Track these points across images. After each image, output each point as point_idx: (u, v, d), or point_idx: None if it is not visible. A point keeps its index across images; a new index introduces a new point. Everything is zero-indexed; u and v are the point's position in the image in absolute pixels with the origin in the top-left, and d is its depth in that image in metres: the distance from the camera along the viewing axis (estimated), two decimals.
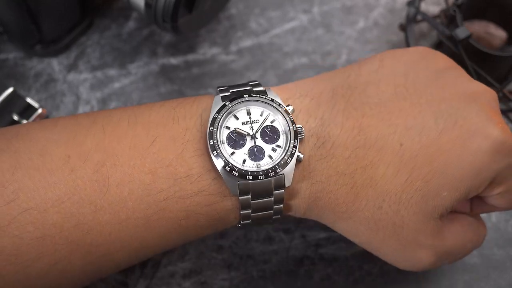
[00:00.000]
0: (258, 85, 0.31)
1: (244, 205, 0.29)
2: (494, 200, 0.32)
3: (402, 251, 0.31)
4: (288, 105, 0.30)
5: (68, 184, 0.27)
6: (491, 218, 0.41)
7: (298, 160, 0.29)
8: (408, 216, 0.29)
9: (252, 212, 0.29)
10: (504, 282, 0.39)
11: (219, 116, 0.29)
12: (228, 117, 0.30)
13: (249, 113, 0.30)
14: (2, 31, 0.42)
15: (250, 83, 0.31)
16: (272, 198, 0.29)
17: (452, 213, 0.32)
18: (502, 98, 0.42)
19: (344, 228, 0.31)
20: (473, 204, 0.34)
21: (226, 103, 0.29)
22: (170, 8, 0.36)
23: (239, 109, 0.30)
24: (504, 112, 0.41)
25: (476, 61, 0.40)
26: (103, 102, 0.43)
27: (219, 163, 0.28)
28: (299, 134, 0.29)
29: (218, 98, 0.30)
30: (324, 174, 0.29)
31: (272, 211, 0.30)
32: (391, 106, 0.30)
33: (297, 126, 0.29)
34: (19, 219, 0.27)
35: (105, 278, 0.38)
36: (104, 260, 0.29)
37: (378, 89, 0.30)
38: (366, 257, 0.39)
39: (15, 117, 0.40)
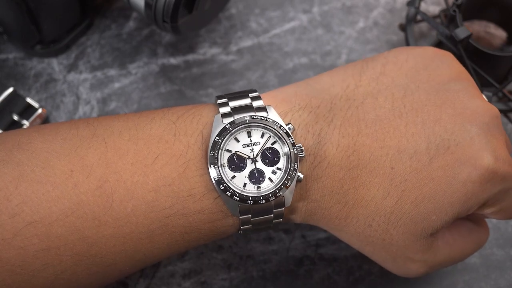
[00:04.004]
0: (258, 98, 0.31)
1: (245, 223, 0.30)
2: (488, 215, 0.32)
3: (392, 262, 0.31)
4: (288, 124, 0.30)
5: (72, 199, 0.27)
6: (491, 219, 0.41)
7: (298, 180, 0.29)
8: (396, 235, 0.30)
9: (253, 227, 0.30)
10: (504, 282, 0.39)
11: (220, 140, 0.29)
12: (229, 139, 0.30)
13: (249, 135, 0.30)
14: (2, 31, 0.42)
15: (250, 94, 0.31)
16: (272, 215, 0.30)
17: None
18: (502, 98, 0.42)
19: (338, 236, 0.32)
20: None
21: (227, 126, 0.29)
22: (170, 8, 0.36)
23: (240, 131, 0.30)
24: (504, 112, 0.41)
25: (476, 61, 0.40)
26: (103, 102, 0.43)
27: (220, 188, 0.28)
28: (299, 154, 0.29)
29: (218, 118, 0.30)
30: (319, 193, 0.30)
31: (271, 225, 0.31)
32: (387, 124, 0.30)
33: (297, 145, 0.29)
34: (24, 232, 0.27)
35: None
36: (109, 269, 0.29)
37: (376, 103, 0.30)
38: (366, 257, 0.39)
39: (15, 117, 0.40)
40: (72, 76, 0.44)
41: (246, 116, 0.30)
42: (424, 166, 0.29)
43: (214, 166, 0.28)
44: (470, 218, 0.33)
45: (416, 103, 0.30)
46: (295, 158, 0.29)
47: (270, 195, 0.29)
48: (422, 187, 0.29)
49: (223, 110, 0.30)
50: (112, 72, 0.44)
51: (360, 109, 0.30)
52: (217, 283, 0.38)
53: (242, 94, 0.31)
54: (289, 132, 0.30)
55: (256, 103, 0.31)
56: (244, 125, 0.30)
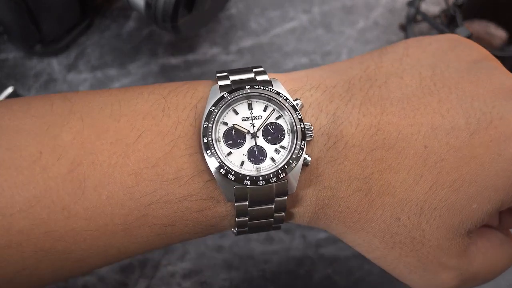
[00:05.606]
0: (263, 72, 0.27)
1: (241, 212, 0.26)
2: None
3: (422, 271, 0.27)
4: (296, 99, 0.26)
5: (39, 185, 0.24)
6: None
7: (305, 164, 0.25)
8: (430, 230, 0.26)
9: (249, 220, 0.26)
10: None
11: (216, 110, 0.25)
12: (226, 111, 0.26)
13: (250, 108, 0.26)
14: (2, 31, 0.42)
15: (254, 69, 0.28)
16: (273, 206, 0.26)
17: (480, 227, 0.28)
18: None
19: (355, 240, 0.28)
20: (503, 217, 0.30)
21: (225, 95, 0.26)
22: (170, 8, 0.36)
23: (239, 103, 0.26)
24: None
25: None
26: None
27: (212, 164, 0.25)
28: (307, 133, 0.25)
29: (215, 87, 0.26)
30: (334, 178, 0.26)
31: (272, 219, 0.27)
32: (416, 101, 0.26)
33: (305, 124, 0.26)
34: None
35: (104, 278, 0.38)
36: (77, 265, 0.26)
37: (401, 82, 0.27)
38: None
39: None
40: (72, 76, 0.44)
41: (247, 86, 0.26)
42: (464, 143, 0.25)
43: (207, 140, 0.25)
44: (499, 229, 0.29)
45: (448, 80, 0.27)
46: (302, 136, 0.25)
47: (271, 176, 0.25)
48: (462, 168, 0.25)
49: (222, 82, 0.27)
50: (112, 72, 0.44)
51: (383, 88, 0.27)
52: (217, 283, 0.38)
53: (245, 69, 0.28)
54: (297, 107, 0.26)
55: (260, 77, 0.27)
56: (244, 95, 0.26)
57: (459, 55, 0.28)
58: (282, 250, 0.39)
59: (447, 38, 0.29)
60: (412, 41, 0.29)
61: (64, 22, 0.43)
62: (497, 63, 0.28)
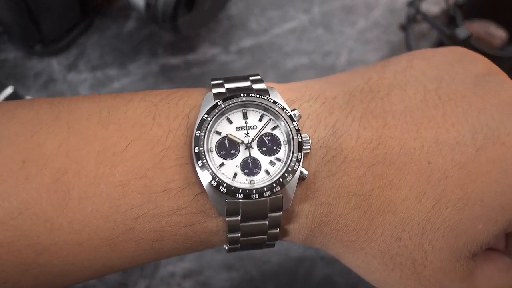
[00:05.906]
0: (260, 81, 0.26)
1: (232, 228, 0.24)
2: None
3: None
4: (293, 110, 0.25)
5: (21, 195, 0.23)
6: None
7: (302, 178, 0.24)
8: (432, 252, 0.24)
9: (242, 236, 0.25)
10: None
11: (209, 118, 0.24)
12: (220, 119, 0.25)
13: (245, 117, 0.25)
14: (2, 31, 0.42)
15: (250, 78, 0.27)
16: (267, 222, 0.25)
17: (486, 250, 0.26)
18: None
19: (353, 261, 0.26)
20: (510, 240, 0.28)
21: (219, 103, 0.25)
22: (170, 8, 0.36)
23: (233, 111, 0.25)
24: None
25: None
26: None
27: (204, 176, 0.23)
28: (305, 145, 0.24)
29: (209, 95, 0.25)
30: (332, 194, 0.25)
31: (265, 236, 0.25)
32: (419, 115, 0.25)
33: (302, 136, 0.24)
34: None
35: (104, 278, 0.38)
36: (60, 279, 0.25)
37: (405, 94, 0.26)
38: None
39: None
40: (72, 76, 0.44)
41: (242, 94, 0.25)
42: (470, 160, 0.24)
43: (199, 149, 0.24)
44: (506, 253, 0.28)
45: (454, 94, 0.26)
46: (299, 148, 0.24)
47: (265, 189, 0.24)
48: (467, 186, 0.24)
49: (217, 90, 0.26)
50: (112, 72, 0.44)
51: (385, 101, 0.26)
52: (217, 283, 0.38)
53: (241, 77, 0.27)
54: (294, 118, 0.25)
55: (257, 86, 0.26)
56: (239, 103, 0.25)
57: (465, 68, 0.27)
58: (282, 250, 0.39)
59: (453, 50, 0.28)
60: (416, 53, 0.28)
61: (64, 22, 0.43)
62: (504, 77, 0.27)
